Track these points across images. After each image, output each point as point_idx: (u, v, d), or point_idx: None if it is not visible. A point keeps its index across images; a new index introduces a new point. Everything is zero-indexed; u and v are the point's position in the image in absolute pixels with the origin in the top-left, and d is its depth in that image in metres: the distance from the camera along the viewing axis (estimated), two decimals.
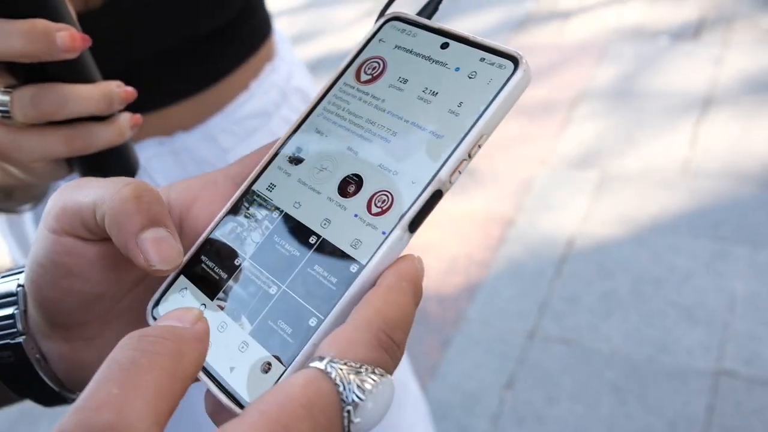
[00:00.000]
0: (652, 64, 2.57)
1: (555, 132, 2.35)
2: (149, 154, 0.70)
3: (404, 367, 0.97)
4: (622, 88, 2.48)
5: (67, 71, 0.43)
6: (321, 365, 0.24)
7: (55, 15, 0.43)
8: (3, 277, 0.34)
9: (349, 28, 3.36)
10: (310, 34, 3.39)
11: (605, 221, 1.97)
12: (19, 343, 0.32)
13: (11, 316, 0.32)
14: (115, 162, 0.49)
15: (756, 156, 2.05)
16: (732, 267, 1.75)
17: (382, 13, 0.34)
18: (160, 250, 0.28)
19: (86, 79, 0.44)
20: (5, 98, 0.42)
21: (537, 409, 1.55)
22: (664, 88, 2.41)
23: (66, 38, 0.40)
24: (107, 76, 0.50)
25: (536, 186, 2.15)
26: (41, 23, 0.40)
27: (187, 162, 0.71)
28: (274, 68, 0.78)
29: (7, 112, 0.42)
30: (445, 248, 2.01)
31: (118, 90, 0.45)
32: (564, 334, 1.69)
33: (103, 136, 0.45)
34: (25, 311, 0.33)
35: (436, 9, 0.34)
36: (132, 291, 0.33)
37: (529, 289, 1.83)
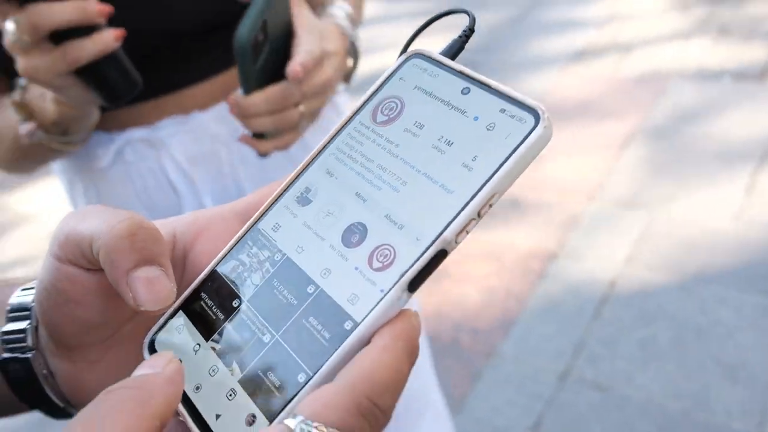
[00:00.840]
0: (712, 104, 2.50)
1: (605, 168, 2.31)
2: (170, 131, 0.77)
3: (426, 378, 0.97)
4: (678, 128, 2.42)
5: None
6: (292, 424, 0.24)
7: None
8: (24, 289, 0.35)
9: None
10: (376, 48, 3.42)
11: (650, 265, 1.92)
12: (28, 358, 0.33)
13: (23, 331, 0.33)
14: (115, 77, 0.60)
15: None
16: None
17: (405, 49, 0.33)
18: (150, 290, 0.28)
19: None
20: (12, 25, 0.55)
21: None
22: (723, 131, 2.35)
23: None
24: (130, 58, 0.63)
25: (582, 222, 2.12)
26: None
27: (203, 139, 0.78)
28: None
29: (17, 36, 0.55)
30: (483, 279, 1.99)
31: (88, 3, 0.56)
32: (598, 378, 1.66)
33: (89, 48, 0.57)
34: (37, 327, 0.33)
35: (461, 49, 0.32)
36: (133, 320, 0.33)
37: (566, 328, 1.80)
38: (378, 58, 3.29)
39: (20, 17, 0.54)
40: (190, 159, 0.78)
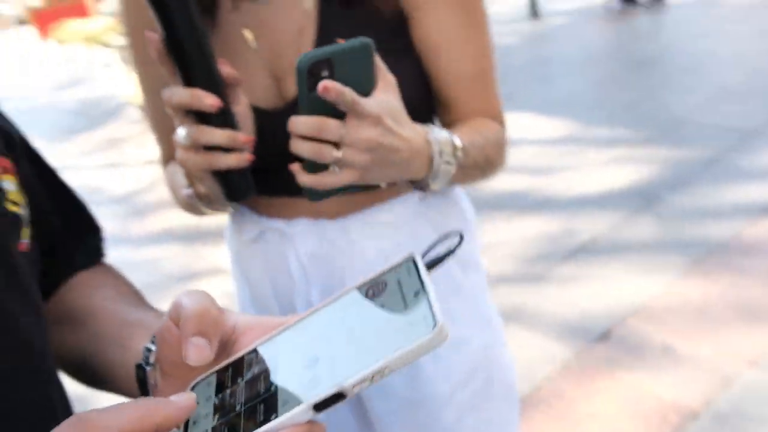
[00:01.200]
0: None
1: None
2: (300, 229, 0.95)
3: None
4: None
5: (215, 121, 0.72)
6: None
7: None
8: None
9: (594, 169, 3.41)
10: (558, 168, 3.51)
11: None
12: (145, 369, 0.49)
13: (150, 350, 0.49)
14: (237, 183, 0.76)
15: None
16: None
17: (425, 254, 0.44)
18: (195, 352, 0.43)
19: (223, 126, 0.72)
20: (183, 132, 0.72)
21: None
22: None
23: (209, 99, 0.70)
24: (273, 166, 0.80)
25: (736, 386, 1.98)
26: (197, 91, 0.70)
27: (324, 242, 0.94)
28: (418, 197, 0.96)
29: (184, 140, 0.72)
30: (614, 420, 1.94)
31: (238, 135, 0.72)
32: None
33: (223, 160, 0.73)
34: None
35: (441, 262, 0.43)
36: (195, 369, 0.46)
37: None
38: (558, 177, 3.36)
39: (191, 130, 0.71)
40: (309, 256, 0.94)
